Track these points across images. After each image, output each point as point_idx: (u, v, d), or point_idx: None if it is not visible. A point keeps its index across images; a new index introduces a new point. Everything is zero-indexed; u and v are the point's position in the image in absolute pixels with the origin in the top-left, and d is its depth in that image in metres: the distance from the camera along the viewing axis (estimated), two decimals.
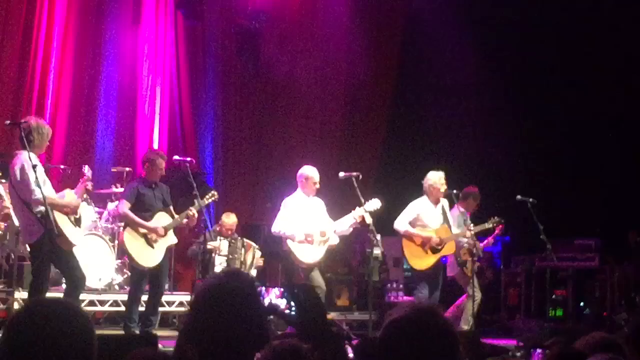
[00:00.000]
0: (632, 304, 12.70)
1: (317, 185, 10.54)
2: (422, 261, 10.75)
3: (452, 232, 10.89)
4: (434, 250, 10.77)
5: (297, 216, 10.47)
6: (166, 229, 9.78)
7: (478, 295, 11.11)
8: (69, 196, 8.89)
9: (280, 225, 10.48)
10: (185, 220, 9.95)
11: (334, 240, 10.51)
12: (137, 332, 9.60)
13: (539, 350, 9.22)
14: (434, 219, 10.89)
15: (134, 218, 9.66)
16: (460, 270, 11.14)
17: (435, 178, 10.89)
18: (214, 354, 2.72)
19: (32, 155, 8.28)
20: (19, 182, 8.39)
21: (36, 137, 8.50)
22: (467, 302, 11.05)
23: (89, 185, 9.07)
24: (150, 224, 9.70)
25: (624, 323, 11.02)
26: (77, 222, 8.80)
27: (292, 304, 2.93)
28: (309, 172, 10.57)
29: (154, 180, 9.92)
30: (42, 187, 8.31)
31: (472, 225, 11.02)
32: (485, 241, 11.68)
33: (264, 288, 3.13)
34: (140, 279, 9.90)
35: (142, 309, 10.07)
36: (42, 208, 8.28)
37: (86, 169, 9.08)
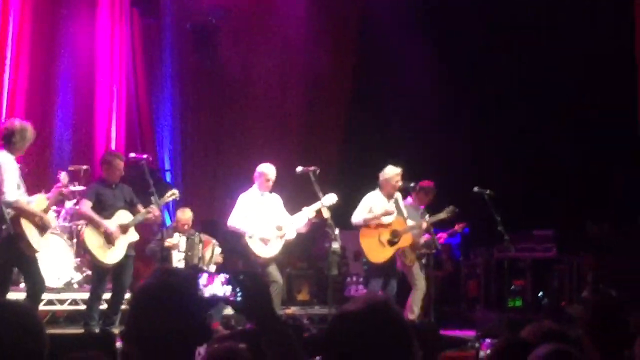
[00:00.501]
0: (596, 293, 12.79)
1: (270, 183, 10.65)
2: (380, 254, 10.80)
3: (407, 224, 10.93)
4: (391, 243, 10.81)
5: (252, 212, 10.59)
6: (126, 227, 9.76)
7: (422, 284, 11.15)
8: (39, 200, 8.89)
9: (235, 220, 10.64)
10: (148, 216, 9.95)
11: (291, 235, 10.61)
12: (97, 330, 9.57)
13: (488, 340, 9.34)
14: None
15: (92, 216, 9.64)
16: (402, 262, 11.18)
17: (392, 173, 10.93)
18: (155, 352, 2.72)
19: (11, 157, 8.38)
20: None
21: (19, 139, 8.52)
22: (413, 292, 11.11)
23: (64, 191, 9.16)
24: (109, 222, 9.66)
25: (577, 315, 11.13)
26: (43, 229, 8.74)
27: (238, 290, 2.91)
28: (263, 168, 10.71)
29: (113, 180, 9.90)
30: (17, 191, 8.35)
31: (427, 216, 11.09)
32: (439, 235, 11.69)
33: (206, 275, 3.14)
34: (102, 277, 9.88)
35: (104, 307, 10.06)
36: (8, 210, 8.28)
37: (62, 176, 9.19)
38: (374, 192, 10.96)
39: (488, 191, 11.28)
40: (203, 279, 3.02)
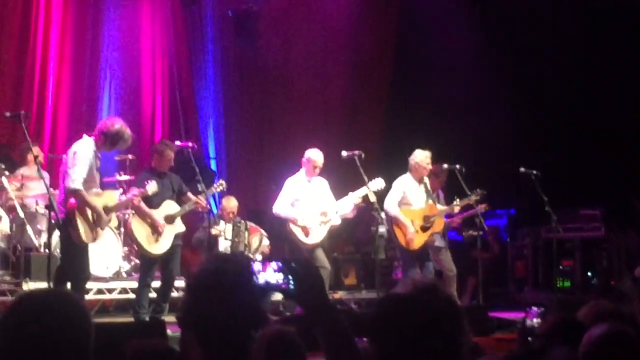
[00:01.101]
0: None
1: (318, 170, 10.58)
2: (414, 241, 10.75)
3: (439, 208, 10.90)
4: (424, 229, 10.77)
5: (298, 197, 10.56)
6: (173, 217, 9.78)
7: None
8: (108, 195, 9.11)
9: (280, 206, 10.61)
10: (195, 206, 9.99)
11: (336, 221, 10.56)
12: (147, 318, 9.64)
13: (535, 308, 9.26)
14: (418, 198, 10.86)
15: (141, 207, 9.64)
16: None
17: (422, 157, 10.82)
18: (213, 337, 2.73)
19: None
20: (68, 165, 8.57)
21: (117, 140, 8.75)
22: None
23: (136, 201, 9.32)
24: (156, 212, 9.68)
25: (629, 291, 11.04)
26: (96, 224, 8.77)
27: (290, 278, 2.91)
28: (311, 154, 10.61)
29: (162, 170, 9.91)
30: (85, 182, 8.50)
31: (457, 200, 11.01)
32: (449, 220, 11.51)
33: (260, 263, 3.17)
34: (149, 266, 9.94)
35: (153, 295, 10.14)
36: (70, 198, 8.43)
37: (150, 186, 9.36)
38: (404, 175, 10.85)
39: (534, 171, 11.21)
40: (256, 267, 3.02)
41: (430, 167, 10.84)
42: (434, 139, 12.90)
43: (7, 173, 10.83)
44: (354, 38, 15.81)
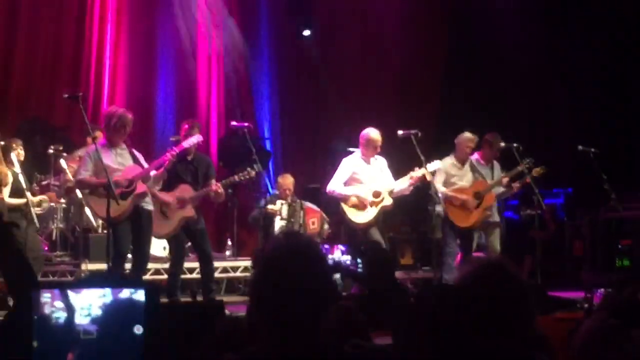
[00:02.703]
0: None
1: (377, 150, 10.53)
2: (469, 219, 10.72)
3: (488, 182, 10.84)
4: (477, 205, 10.74)
5: (356, 177, 10.53)
6: (184, 202, 9.66)
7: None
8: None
9: (334, 184, 10.57)
10: (212, 194, 9.87)
11: (388, 202, 10.48)
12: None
13: (601, 290, 9.21)
14: (461, 178, 10.85)
15: (151, 189, 9.46)
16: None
17: (463, 138, 10.88)
18: (285, 311, 2.72)
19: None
20: None
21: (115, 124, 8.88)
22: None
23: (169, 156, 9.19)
24: (167, 195, 9.65)
25: None
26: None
27: (359, 261, 2.91)
28: (371, 133, 10.56)
29: (191, 151, 9.81)
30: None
31: (505, 172, 10.95)
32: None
33: (328, 246, 3.14)
34: (173, 248, 10.09)
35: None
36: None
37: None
38: (447, 158, 10.80)
39: (593, 149, 11.09)
40: (324, 249, 3.03)
41: (470, 150, 10.83)
42: (490, 119, 12.83)
43: (65, 155, 10.97)
44: (410, 20, 15.70)
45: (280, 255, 2.77)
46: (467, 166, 10.94)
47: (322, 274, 2.78)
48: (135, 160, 9.06)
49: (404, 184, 10.46)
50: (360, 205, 10.41)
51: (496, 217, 11.09)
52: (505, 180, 10.91)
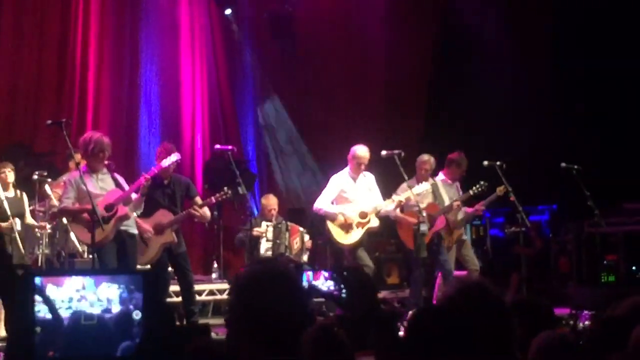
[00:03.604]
0: None
1: (363, 166, 10.55)
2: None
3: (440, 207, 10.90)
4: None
5: (342, 195, 10.54)
6: (162, 227, 9.61)
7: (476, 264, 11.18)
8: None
9: (322, 202, 10.59)
10: (197, 215, 9.84)
11: (374, 223, 10.52)
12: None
13: (586, 312, 9.24)
14: (422, 199, 10.80)
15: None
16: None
17: (419, 161, 10.96)
18: (261, 337, 2.75)
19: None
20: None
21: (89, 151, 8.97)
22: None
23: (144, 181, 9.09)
24: (145, 221, 9.56)
25: None
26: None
27: (342, 286, 2.94)
28: (357, 151, 10.59)
29: (167, 175, 9.73)
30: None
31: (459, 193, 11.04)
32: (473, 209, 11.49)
33: (311, 273, 3.15)
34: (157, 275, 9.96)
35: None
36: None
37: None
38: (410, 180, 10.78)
39: (576, 166, 11.15)
40: (308, 275, 3.07)
41: (428, 171, 10.90)
42: (474, 137, 12.89)
43: (49, 180, 10.96)
44: (394, 36, 15.74)
45: (251, 283, 2.81)
46: (431, 187, 11.03)
47: (296, 299, 2.80)
48: (117, 184, 9.05)
49: (389, 207, 10.50)
50: (346, 225, 10.42)
51: (464, 236, 11.28)
52: (456, 204, 10.95)
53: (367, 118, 15.45)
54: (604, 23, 14.73)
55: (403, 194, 10.41)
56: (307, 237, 12.06)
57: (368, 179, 10.72)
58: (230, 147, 10.86)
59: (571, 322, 9.29)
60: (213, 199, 10.02)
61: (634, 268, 13.38)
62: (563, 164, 11.20)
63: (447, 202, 11.01)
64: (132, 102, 14.16)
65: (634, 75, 14.48)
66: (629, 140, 14.21)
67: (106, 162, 9.14)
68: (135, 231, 9.17)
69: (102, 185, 8.96)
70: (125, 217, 8.92)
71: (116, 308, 3.86)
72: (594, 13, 14.81)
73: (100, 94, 13.74)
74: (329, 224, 10.50)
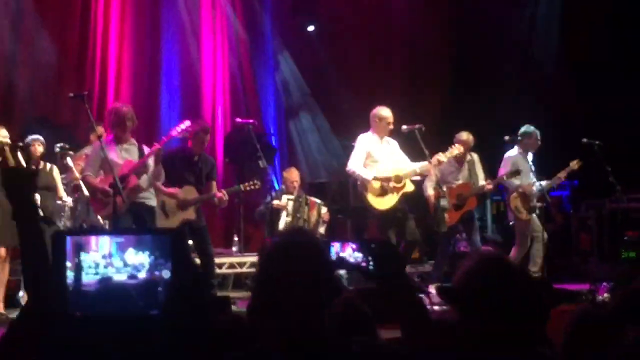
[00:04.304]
0: None
1: (391, 126, 10.42)
2: (447, 218, 10.91)
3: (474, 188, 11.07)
4: (457, 207, 10.97)
5: (370, 156, 10.38)
6: (186, 204, 9.72)
7: (537, 230, 11.25)
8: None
9: (354, 164, 10.37)
10: (215, 200, 9.95)
11: (409, 187, 10.41)
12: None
13: (605, 284, 9.25)
14: (456, 176, 11.16)
15: (155, 183, 9.49)
16: (514, 216, 11.31)
17: (460, 138, 11.11)
18: (286, 310, 2.75)
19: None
20: None
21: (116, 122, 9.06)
22: (533, 243, 11.23)
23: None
24: (174, 190, 9.67)
25: None
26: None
27: (370, 258, 2.94)
28: (383, 112, 10.47)
29: (198, 152, 9.86)
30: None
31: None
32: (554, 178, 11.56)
33: (339, 244, 3.16)
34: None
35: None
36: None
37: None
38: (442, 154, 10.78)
39: (597, 142, 11.11)
40: (336, 247, 3.06)
41: (465, 147, 10.98)
42: (495, 112, 12.84)
43: (71, 153, 11.00)
44: (417, 14, 15.70)
45: (280, 253, 2.81)
46: (465, 165, 11.05)
47: (323, 270, 2.80)
48: (142, 154, 9.09)
49: (426, 167, 10.38)
50: (382, 191, 10.28)
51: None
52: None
53: (388, 98, 15.38)
54: None
55: (423, 166, 10.33)
56: (324, 210, 12.03)
57: (392, 145, 10.58)
58: (251, 120, 10.90)
59: (590, 296, 9.30)
60: (242, 187, 10.18)
61: None
62: (584, 140, 11.17)
63: (481, 181, 11.05)
64: (153, 75, 14.18)
65: None
66: None
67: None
68: (153, 203, 9.23)
69: (126, 156, 9.03)
70: (137, 188, 8.93)
71: (142, 275, 3.85)
72: None
73: (121, 67, 13.76)
74: (365, 193, 10.32)
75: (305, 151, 15.27)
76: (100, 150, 8.75)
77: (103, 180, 8.89)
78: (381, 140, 10.47)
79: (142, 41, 14.07)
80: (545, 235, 11.21)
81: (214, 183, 10.01)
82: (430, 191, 10.89)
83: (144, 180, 9.02)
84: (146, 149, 9.14)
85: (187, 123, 9.44)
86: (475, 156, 11.24)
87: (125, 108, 9.10)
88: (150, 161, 9.02)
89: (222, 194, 9.84)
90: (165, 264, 3.81)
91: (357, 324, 3.62)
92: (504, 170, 11.32)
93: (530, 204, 11.17)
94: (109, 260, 3.83)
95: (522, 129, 11.41)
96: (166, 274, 3.79)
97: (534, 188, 11.14)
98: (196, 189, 9.79)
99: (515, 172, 11.06)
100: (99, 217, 11.09)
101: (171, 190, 9.63)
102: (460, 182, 11.09)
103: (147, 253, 3.85)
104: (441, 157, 10.28)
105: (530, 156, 11.39)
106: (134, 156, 9.06)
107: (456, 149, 10.50)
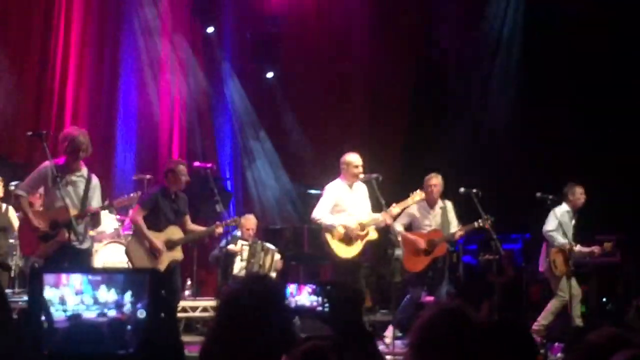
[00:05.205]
0: None
1: (358, 170, 10.31)
2: (417, 263, 10.92)
3: (445, 234, 10.98)
4: (426, 253, 10.91)
5: (338, 204, 10.26)
6: (174, 244, 9.62)
7: (576, 292, 11.32)
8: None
9: (320, 212, 10.23)
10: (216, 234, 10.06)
11: (373, 235, 10.34)
12: None
13: (556, 344, 9.31)
14: (429, 220, 11.09)
15: (142, 229, 9.49)
16: (548, 268, 11.44)
17: (428, 177, 11.13)
18: (244, 353, 2.76)
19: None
20: None
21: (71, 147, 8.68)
22: (554, 300, 11.39)
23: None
24: (157, 235, 9.54)
25: (631, 321, 11.14)
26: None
27: (325, 301, 2.95)
28: (349, 157, 10.39)
29: (177, 189, 9.75)
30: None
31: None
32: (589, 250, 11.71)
33: (295, 286, 3.14)
34: None
35: None
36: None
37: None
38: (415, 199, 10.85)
39: (550, 196, 11.24)
40: (291, 289, 3.07)
41: (431, 188, 10.99)
42: (450, 163, 12.93)
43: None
44: (375, 61, 15.83)
45: (238, 300, 2.81)
46: (438, 210, 11.08)
47: (280, 320, 2.81)
48: (88, 186, 8.81)
49: (380, 221, 10.33)
50: (347, 238, 10.14)
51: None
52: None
53: (347, 142, 15.48)
54: None
55: (398, 205, 10.31)
56: (277, 256, 12.01)
57: (362, 189, 10.47)
58: (209, 165, 10.88)
59: (541, 351, 9.35)
60: (227, 224, 10.21)
61: (604, 299, 13.47)
62: (538, 194, 11.29)
63: (453, 228, 11.05)
64: (111, 115, 14.15)
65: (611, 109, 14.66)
66: (605, 174, 14.27)
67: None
68: (85, 245, 8.86)
69: (67, 192, 8.65)
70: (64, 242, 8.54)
71: (112, 313, 3.81)
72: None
73: (78, 107, 13.71)
74: (329, 238, 10.14)
75: (261, 196, 15.24)
76: (50, 174, 8.52)
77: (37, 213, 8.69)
78: (351, 187, 10.39)
79: (100, 80, 14.06)
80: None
81: (188, 217, 9.93)
82: (399, 228, 10.86)
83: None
84: (94, 178, 8.90)
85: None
86: (448, 203, 11.21)
87: (81, 137, 8.73)
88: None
89: (219, 227, 9.91)
90: (140, 303, 3.78)
91: None
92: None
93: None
94: (79, 296, 3.79)
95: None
96: (142, 313, 3.75)
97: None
98: (180, 229, 9.74)
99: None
100: None
101: (154, 242, 9.47)
102: (432, 227, 11.07)
103: (119, 291, 3.82)
104: (395, 209, 10.28)
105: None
106: (78, 190, 8.73)
107: (417, 195, 10.49)
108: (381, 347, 10.13)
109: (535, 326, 11.11)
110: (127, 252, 9.90)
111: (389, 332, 10.61)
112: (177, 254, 9.67)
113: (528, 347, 3.26)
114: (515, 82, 15.84)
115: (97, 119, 13.93)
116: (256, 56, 15.46)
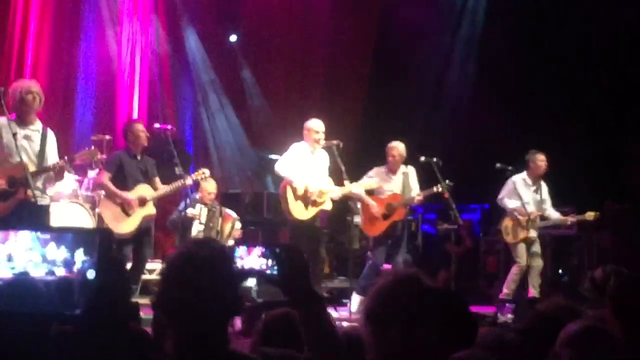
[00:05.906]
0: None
1: (319, 136, 10.40)
2: (374, 227, 10.93)
3: (404, 199, 11.02)
4: (385, 217, 10.91)
5: (301, 165, 10.38)
6: (145, 200, 9.81)
7: (536, 263, 11.45)
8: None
9: (283, 165, 10.38)
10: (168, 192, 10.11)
11: (328, 206, 10.46)
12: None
13: (508, 305, 9.41)
14: (390, 185, 11.10)
15: (110, 188, 9.75)
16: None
17: (390, 146, 11.13)
18: (188, 322, 2.75)
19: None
20: None
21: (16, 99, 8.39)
22: (513, 266, 11.61)
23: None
24: (128, 194, 9.68)
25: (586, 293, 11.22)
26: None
27: (274, 263, 2.91)
28: (311, 123, 10.52)
29: (137, 151, 9.90)
30: None
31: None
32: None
33: (245, 247, 3.13)
34: (120, 248, 9.85)
35: None
36: None
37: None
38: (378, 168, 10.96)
39: (510, 167, 11.29)
40: (241, 251, 3.03)
41: (393, 157, 11.00)
42: (410, 132, 12.93)
43: None
44: (336, 26, 15.78)
45: (183, 264, 2.79)
46: (398, 175, 11.07)
47: (226, 285, 2.79)
48: (44, 140, 8.51)
49: (336, 194, 10.43)
50: (304, 200, 10.26)
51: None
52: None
53: (307, 107, 15.44)
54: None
55: (345, 187, 10.36)
56: (238, 225, 11.97)
57: (324, 156, 10.58)
58: (169, 126, 10.83)
59: (493, 317, 9.42)
60: (195, 177, 10.40)
61: (560, 271, 13.60)
62: (498, 165, 11.34)
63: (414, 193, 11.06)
64: (69, 74, 13.97)
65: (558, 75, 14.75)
66: (563, 145, 14.35)
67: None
68: (45, 202, 8.54)
69: (23, 147, 8.34)
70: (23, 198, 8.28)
71: (60, 272, 3.73)
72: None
73: (37, 64, 13.49)
74: (289, 195, 10.26)
75: (221, 160, 15.16)
76: (3, 129, 8.24)
77: None
78: (313, 151, 10.46)
79: (60, 37, 13.84)
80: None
81: (157, 179, 10.11)
82: (358, 190, 10.86)
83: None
84: (50, 132, 8.61)
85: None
86: (411, 169, 11.20)
87: (27, 83, 8.54)
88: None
89: (190, 180, 10.11)
90: (89, 262, 3.70)
91: (286, 335, 3.65)
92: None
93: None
94: (27, 253, 3.71)
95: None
96: (91, 273, 3.67)
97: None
98: (150, 185, 9.95)
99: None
100: None
101: (126, 196, 9.69)
102: (391, 192, 11.07)
103: (69, 250, 3.74)
104: (354, 188, 10.42)
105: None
106: (33, 145, 8.43)
107: (373, 182, 10.57)
108: (343, 313, 10.22)
109: (502, 295, 11.20)
110: (99, 215, 10.19)
111: (355, 300, 10.61)
112: (150, 210, 9.90)
113: (467, 316, 3.24)
114: (477, 51, 15.85)
115: (57, 78, 13.75)
116: (220, 20, 15.35)
